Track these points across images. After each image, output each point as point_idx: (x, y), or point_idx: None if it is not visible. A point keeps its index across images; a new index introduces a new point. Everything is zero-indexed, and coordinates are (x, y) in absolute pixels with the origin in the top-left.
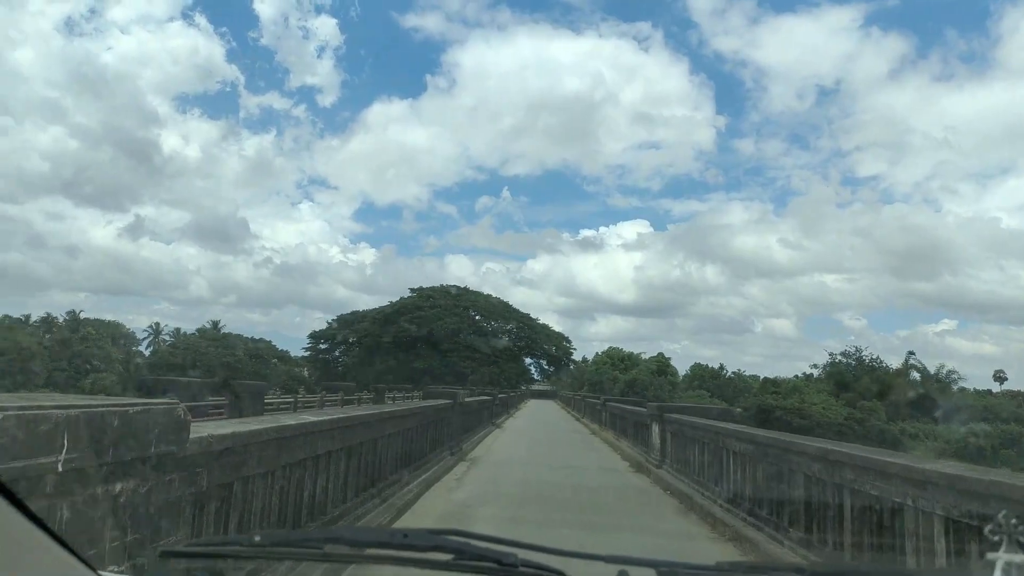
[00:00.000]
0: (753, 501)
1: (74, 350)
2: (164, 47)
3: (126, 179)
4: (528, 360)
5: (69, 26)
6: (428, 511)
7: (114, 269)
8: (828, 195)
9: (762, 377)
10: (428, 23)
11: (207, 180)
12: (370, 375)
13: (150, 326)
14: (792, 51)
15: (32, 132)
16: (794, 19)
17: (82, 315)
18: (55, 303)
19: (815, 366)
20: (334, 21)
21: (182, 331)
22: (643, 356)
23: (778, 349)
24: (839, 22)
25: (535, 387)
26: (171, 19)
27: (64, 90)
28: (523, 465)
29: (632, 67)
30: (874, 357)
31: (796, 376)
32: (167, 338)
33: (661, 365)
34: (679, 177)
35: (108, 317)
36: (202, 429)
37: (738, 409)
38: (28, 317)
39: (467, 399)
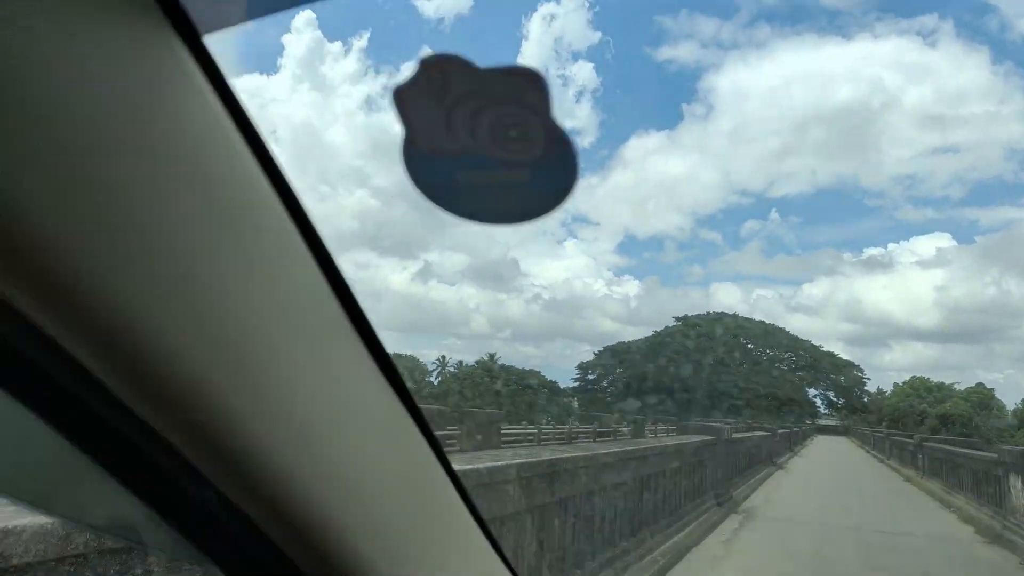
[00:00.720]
0: None
1: None
2: None
3: (416, 230)
4: (812, 392)
5: (368, 103)
6: None
7: (409, 309)
8: None
9: None
10: (681, 53)
11: (481, 225)
12: (635, 406)
13: (437, 359)
14: None
15: (344, 196)
16: None
17: None
18: None
19: None
20: (591, 65)
21: (464, 363)
22: (956, 387)
23: None
24: None
25: (821, 422)
26: None
27: (367, 158)
28: (818, 527)
29: (917, 66)
30: None
31: None
32: (452, 370)
33: (982, 398)
34: (986, 182)
35: (406, 352)
36: None
37: None
38: None
39: (736, 435)
